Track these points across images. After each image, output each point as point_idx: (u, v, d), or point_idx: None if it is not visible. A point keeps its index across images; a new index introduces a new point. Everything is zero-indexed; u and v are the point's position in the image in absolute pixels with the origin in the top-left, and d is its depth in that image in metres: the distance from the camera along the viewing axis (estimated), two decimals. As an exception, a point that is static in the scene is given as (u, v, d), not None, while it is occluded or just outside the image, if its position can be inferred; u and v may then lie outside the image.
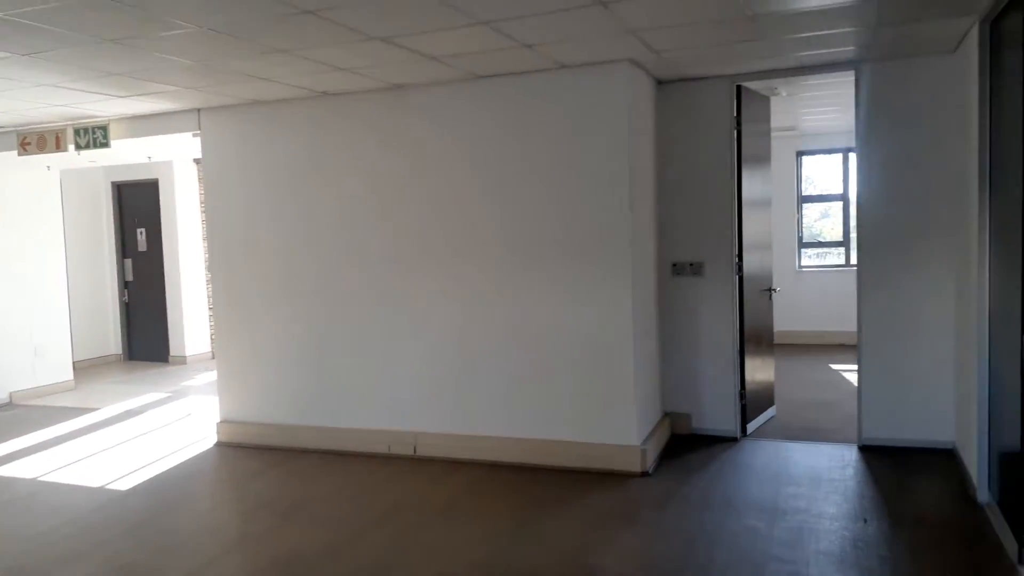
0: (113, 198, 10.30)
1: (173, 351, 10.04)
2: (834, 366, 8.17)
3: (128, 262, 10.34)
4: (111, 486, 5.08)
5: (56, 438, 6.40)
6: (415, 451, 5.41)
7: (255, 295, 5.92)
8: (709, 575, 3.46)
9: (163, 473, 5.34)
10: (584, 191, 4.92)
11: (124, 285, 10.36)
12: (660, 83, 5.59)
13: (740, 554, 3.66)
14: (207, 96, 5.46)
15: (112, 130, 6.21)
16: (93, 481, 5.20)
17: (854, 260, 9.86)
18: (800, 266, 10.05)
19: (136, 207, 10.26)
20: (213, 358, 10.27)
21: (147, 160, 7.81)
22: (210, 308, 10.32)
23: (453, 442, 5.30)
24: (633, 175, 4.91)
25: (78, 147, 6.34)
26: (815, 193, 10.19)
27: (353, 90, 5.40)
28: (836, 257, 10.14)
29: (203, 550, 3.99)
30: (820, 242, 10.33)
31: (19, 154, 6.62)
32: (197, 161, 10.08)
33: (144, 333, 10.31)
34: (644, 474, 4.81)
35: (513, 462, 5.12)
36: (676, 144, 5.60)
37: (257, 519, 4.39)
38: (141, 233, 10.23)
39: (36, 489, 5.10)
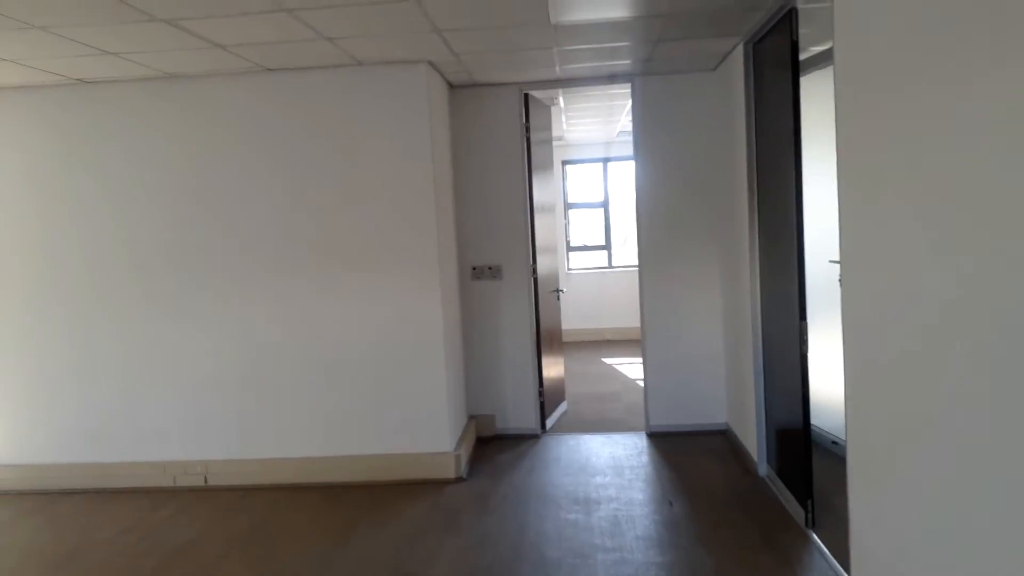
0: None
1: None
2: (607, 360, 8.74)
3: None
4: None
5: None
6: (206, 481, 4.90)
7: (2, 312, 5.03)
8: (544, 572, 3.51)
9: None
10: (387, 195, 4.78)
11: None
12: (452, 88, 5.61)
13: (567, 547, 3.75)
14: (-76, 76, 4.54)
15: None
16: None
17: (616, 262, 10.70)
18: (569, 268, 10.64)
19: None
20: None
21: None
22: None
23: (250, 467, 4.89)
24: (436, 179, 4.86)
25: None
26: (579, 201, 10.86)
27: (118, 78, 4.78)
28: (601, 259, 10.87)
29: (-47, 625, 3.30)
30: (586, 246, 11.02)
31: None
32: None
33: None
34: (459, 479, 4.77)
35: (319, 482, 4.83)
36: (470, 149, 5.65)
37: (29, 575, 3.71)
38: None
39: None
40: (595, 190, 10.79)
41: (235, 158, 4.83)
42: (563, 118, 8.23)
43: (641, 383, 6.90)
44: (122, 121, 4.86)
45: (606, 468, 4.92)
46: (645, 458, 5.10)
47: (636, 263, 5.85)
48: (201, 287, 4.87)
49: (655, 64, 5.28)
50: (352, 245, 4.80)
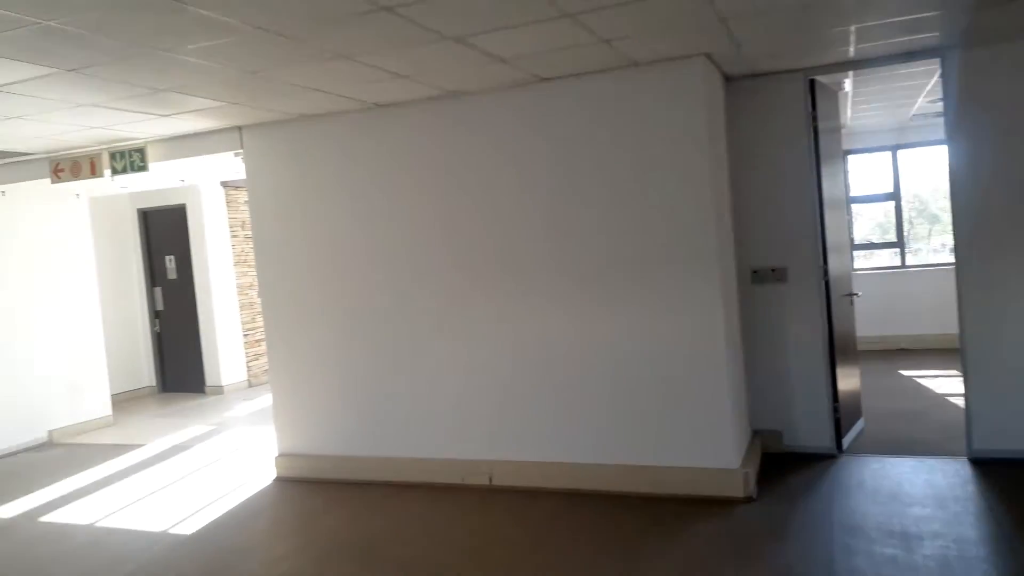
0: (140, 225, 10.04)
1: (209, 381, 9.73)
2: (905, 372, 7.77)
3: (158, 291, 10.06)
4: (173, 530, 4.75)
5: (106, 478, 6.08)
6: (491, 481, 5.06)
7: (309, 321, 5.61)
8: (859, 615, 3.09)
9: (225, 514, 5.00)
10: (662, 197, 4.59)
11: (155, 315, 10.09)
12: (728, 80, 5.28)
13: (885, 589, 3.29)
14: (249, 112, 5.18)
15: (150, 152, 5.93)
16: (153, 525, 4.87)
17: (910, 261, 9.52)
18: (853, 269, 9.67)
19: (163, 234, 9.99)
20: (250, 387, 9.97)
21: (180, 183, 7.53)
22: (245, 336, 10.03)
23: (532, 470, 4.95)
24: (713, 177, 4.58)
25: (114, 172, 6.06)
26: (862, 194, 9.82)
27: (405, 100, 5.11)
28: (892, 258, 9.75)
29: (285, 602, 3.66)
30: (872, 244, 9.96)
31: (52, 182, 6.35)
32: (225, 184, 9.82)
33: (178, 364, 10.01)
34: (748, 500, 4.44)
35: (596, 490, 4.76)
36: (749, 144, 5.27)
37: (335, 566, 4.04)
38: (170, 260, 9.96)
39: (95, 536, 4.77)
40: (882, 181, 9.71)
41: (511, 168, 4.93)
42: (848, 104, 7.48)
43: (956, 400, 6.01)
44: (407, 139, 5.18)
45: (924, 498, 4.29)
46: (972, 488, 4.38)
47: (940, 261, 5.08)
48: (489, 294, 5.03)
49: (975, 34, 4.54)
50: (628, 249, 4.68)
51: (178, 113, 5.07)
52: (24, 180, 6.53)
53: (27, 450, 7.26)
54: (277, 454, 5.77)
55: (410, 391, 5.30)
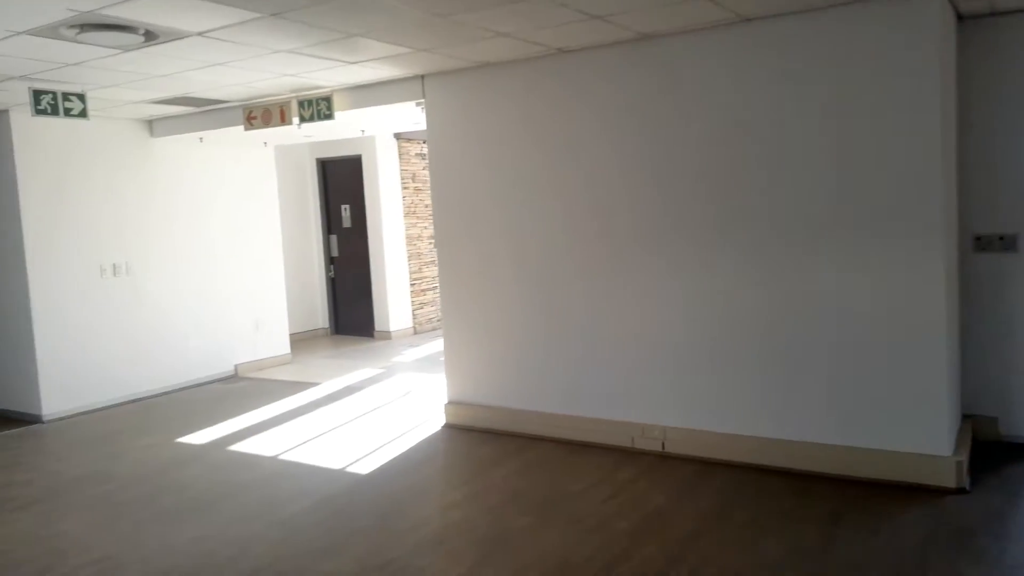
0: (318, 174, 10.47)
1: (378, 326, 10.09)
2: None
3: (333, 238, 10.50)
4: (351, 468, 4.92)
5: (286, 413, 6.43)
6: (663, 447, 4.86)
7: (483, 271, 5.58)
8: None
9: (399, 456, 5.12)
10: (883, 151, 4.10)
11: (330, 261, 10.55)
12: (960, 19, 4.64)
13: None
14: (433, 60, 5.13)
15: (336, 101, 6.05)
16: (332, 462, 5.07)
17: None
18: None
19: (340, 184, 10.38)
20: (415, 334, 10.26)
21: (360, 133, 7.71)
22: (412, 285, 10.30)
23: (709, 440, 4.70)
24: (944, 131, 4.04)
25: (302, 119, 6.25)
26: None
27: (591, 45, 4.87)
28: None
29: (463, 550, 3.66)
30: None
31: (245, 129, 6.66)
32: (398, 136, 10.02)
33: (349, 308, 10.46)
34: (960, 491, 3.98)
35: (779, 467, 4.44)
36: (979, 92, 4.63)
37: (510, 517, 4.01)
38: (345, 209, 10.34)
39: (279, 468, 5.03)
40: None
41: (705, 117, 4.60)
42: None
43: None
44: (592, 86, 4.95)
45: None
46: None
47: None
48: (675, 251, 4.77)
49: None
50: (837, 209, 4.25)
51: (365, 60, 5.11)
52: (220, 127, 6.89)
53: (216, 381, 7.81)
54: (447, 401, 5.85)
55: (584, 348, 5.16)
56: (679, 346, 4.79)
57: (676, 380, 4.81)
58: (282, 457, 5.24)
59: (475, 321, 5.65)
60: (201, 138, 7.42)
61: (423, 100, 5.73)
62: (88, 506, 4.50)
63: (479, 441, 5.36)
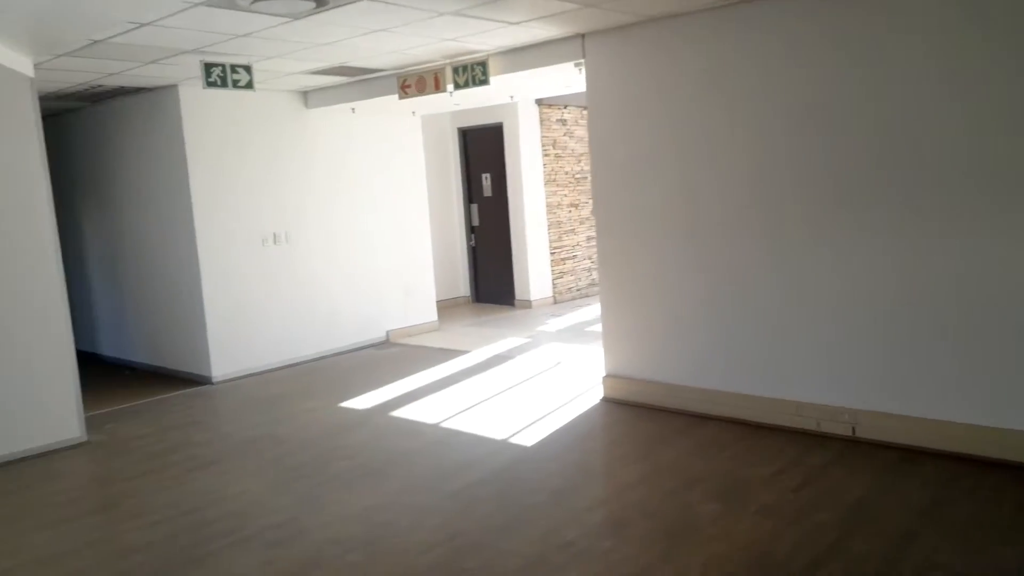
0: (459, 144, 10.44)
1: (518, 295, 10.01)
2: None
3: (474, 207, 10.47)
4: (513, 440, 4.83)
5: (442, 380, 6.44)
6: (854, 432, 4.46)
7: (646, 237, 5.30)
8: None
9: (560, 429, 4.99)
10: None
11: (471, 230, 10.54)
12: None
13: None
14: (596, 17, 4.85)
15: (491, 65, 5.90)
16: (492, 432, 5.00)
17: None
18: None
19: (480, 153, 10.30)
20: (555, 303, 10.12)
21: (509, 99, 7.56)
22: (552, 254, 10.13)
23: (909, 425, 4.26)
24: None
25: (456, 86, 6.14)
26: None
27: (776, -8, 4.45)
28: None
29: (648, 535, 3.46)
30: None
31: (400, 97, 6.63)
32: (540, 103, 9.80)
33: (490, 277, 10.43)
34: None
35: (996, 458, 3.97)
36: None
37: (694, 502, 3.77)
38: (486, 179, 10.27)
39: (441, 436, 5.01)
40: None
41: (900, 71, 4.10)
42: None
43: None
44: (774, 41, 4.52)
45: None
46: None
47: None
48: (880, 216, 4.32)
49: None
50: (1072, 167, 3.69)
51: (525, 21, 4.90)
52: (374, 97, 6.90)
53: (370, 347, 7.95)
54: (604, 374, 5.65)
55: (757, 322, 4.81)
56: (877, 319, 4.35)
57: (871, 358, 4.39)
58: (443, 425, 5.22)
59: (635, 292, 5.40)
60: (353, 108, 7.48)
61: (582, 60, 5.48)
62: (263, 468, 4.62)
63: (641, 417, 5.14)
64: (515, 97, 7.57)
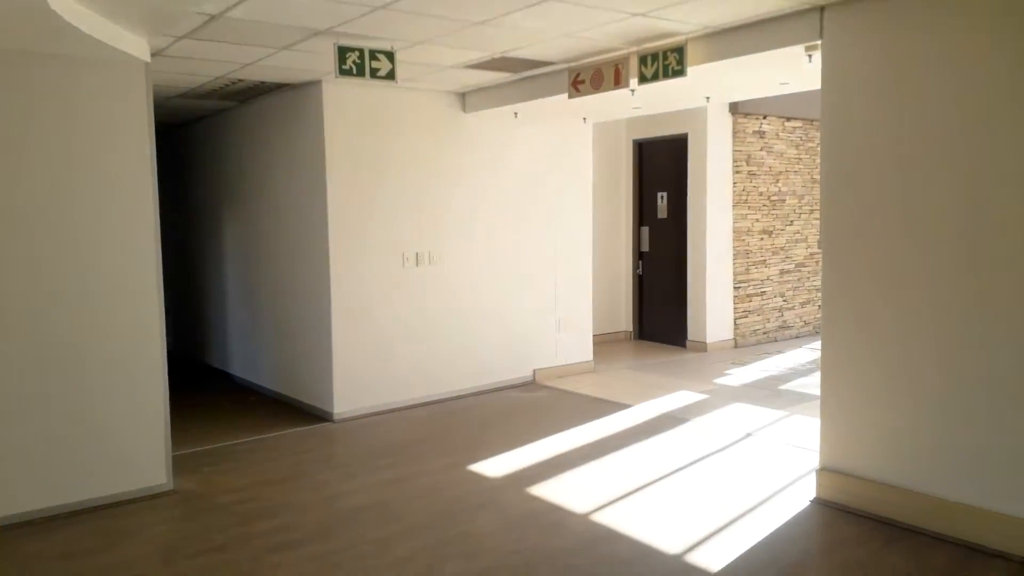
0: (633, 157, 9.17)
1: (691, 335, 8.57)
2: None
3: (645, 230, 9.15)
4: (691, 557, 3.49)
5: (595, 444, 5.19)
6: None
7: (896, 284, 3.80)
8: None
9: (758, 546, 3.59)
10: None
11: (639, 256, 9.22)
12: None
13: None
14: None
15: (689, 52, 4.61)
16: (662, 538, 3.69)
17: None
18: None
19: (658, 168, 8.98)
20: (736, 347, 8.58)
21: (705, 102, 6.24)
22: (736, 288, 8.61)
23: None
24: None
25: (642, 79, 4.90)
26: None
27: None
28: None
29: None
30: None
31: (569, 96, 5.48)
32: (734, 111, 8.35)
33: (658, 311, 9.06)
34: None
35: None
36: None
37: None
38: (662, 198, 8.93)
39: (592, 536, 3.75)
40: None
41: None
42: None
43: None
44: None
45: None
46: None
47: None
48: None
49: None
50: None
51: (744, -15, 3.60)
52: (540, 97, 5.79)
53: (513, 388, 6.85)
54: (819, 466, 4.17)
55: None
56: None
57: None
58: (596, 518, 3.97)
59: (880, 353, 3.88)
60: (516, 112, 6.42)
61: (818, 43, 4.08)
62: (364, 557, 3.57)
63: (881, 537, 3.63)
64: (711, 98, 6.21)
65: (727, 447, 5.07)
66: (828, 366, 4.14)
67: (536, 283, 7.05)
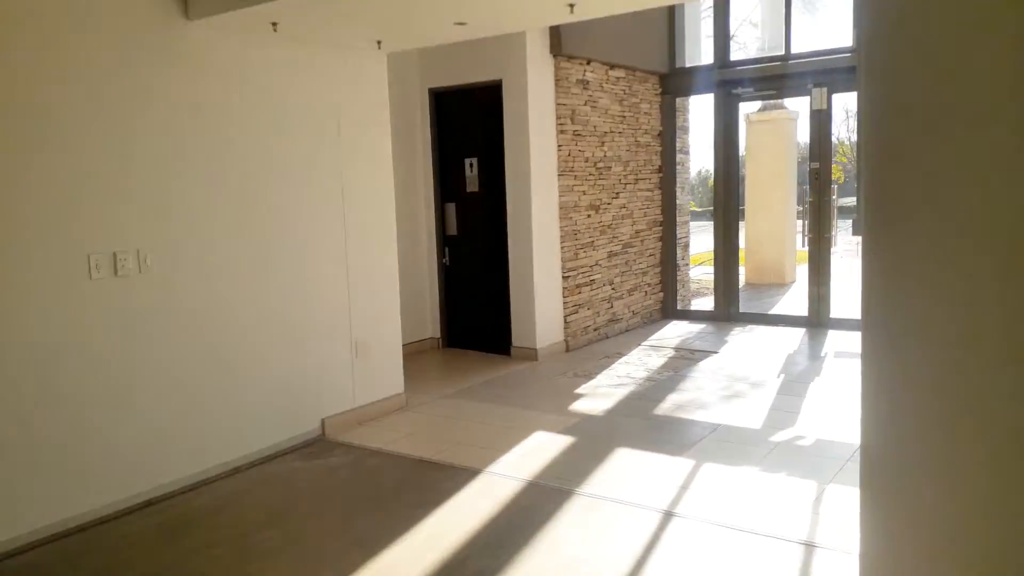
0: (431, 112, 7.08)
1: (517, 340, 6.75)
2: None
3: (451, 208, 7.14)
4: None
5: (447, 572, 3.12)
6: None
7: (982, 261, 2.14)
8: None
9: None
10: None
11: (443, 241, 7.20)
12: None
13: None
14: None
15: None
16: None
17: None
18: None
19: (465, 127, 7.00)
20: (567, 351, 6.92)
21: (568, 12, 4.22)
22: (564, 277, 6.90)
23: None
24: None
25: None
26: None
27: None
28: None
29: None
30: None
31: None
32: (557, 50, 6.57)
33: (472, 312, 7.13)
34: None
35: None
36: None
37: None
38: (471, 166, 6.96)
39: None
40: None
41: None
42: None
43: None
44: None
45: None
46: None
47: None
48: None
49: None
50: None
51: None
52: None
53: (293, 451, 4.55)
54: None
55: None
56: None
57: None
58: None
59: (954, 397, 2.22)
60: (275, 24, 4.07)
61: None
62: None
63: None
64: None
65: (653, 548, 3.25)
66: (872, 377, 2.41)
67: (320, 290, 4.76)
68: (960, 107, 1.71)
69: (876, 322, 1.95)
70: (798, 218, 13.19)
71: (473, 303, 7.08)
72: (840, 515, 3.44)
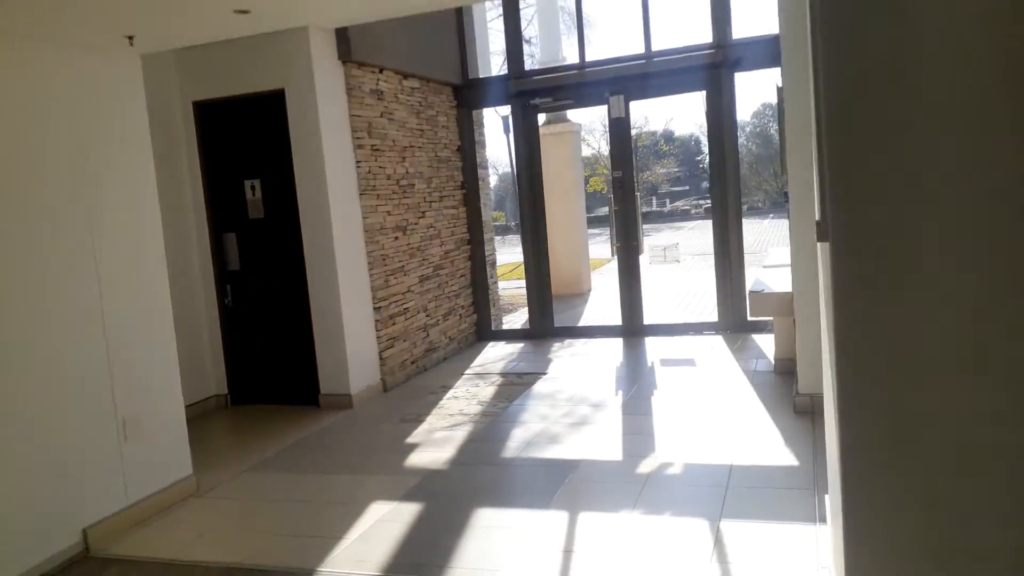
0: (197, 128, 5.96)
1: (326, 387, 5.81)
2: None
3: (230, 238, 6.05)
4: None
5: None
6: None
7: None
8: None
9: None
10: None
11: (223, 278, 6.09)
12: None
13: None
14: None
15: None
16: None
17: None
18: None
19: (241, 144, 5.96)
20: (385, 391, 6.13)
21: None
22: (376, 308, 6.11)
23: None
24: None
25: None
26: None
27: None
28: None
29: None
30: None
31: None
32: (346, 56, 5.78)
33: (263, 359, 6.07)
34: None
35: None
36: None
37: None
38: (253, 188, 5.94)
39: None
40: None
41: None
42: None
43: None
44: None
45: None
46: None
47: None
48: None
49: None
50: None
51: None
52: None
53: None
54: None
55: None
56: None
57: None
58: None
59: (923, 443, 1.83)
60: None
61: None
62: None
63: None
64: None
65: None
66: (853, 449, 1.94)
67: (67, 362, 3.58)
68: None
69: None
70: (589, 228, 13.32)
71: (265, 348, 6.03)
72: (748, 558, 3.01)
